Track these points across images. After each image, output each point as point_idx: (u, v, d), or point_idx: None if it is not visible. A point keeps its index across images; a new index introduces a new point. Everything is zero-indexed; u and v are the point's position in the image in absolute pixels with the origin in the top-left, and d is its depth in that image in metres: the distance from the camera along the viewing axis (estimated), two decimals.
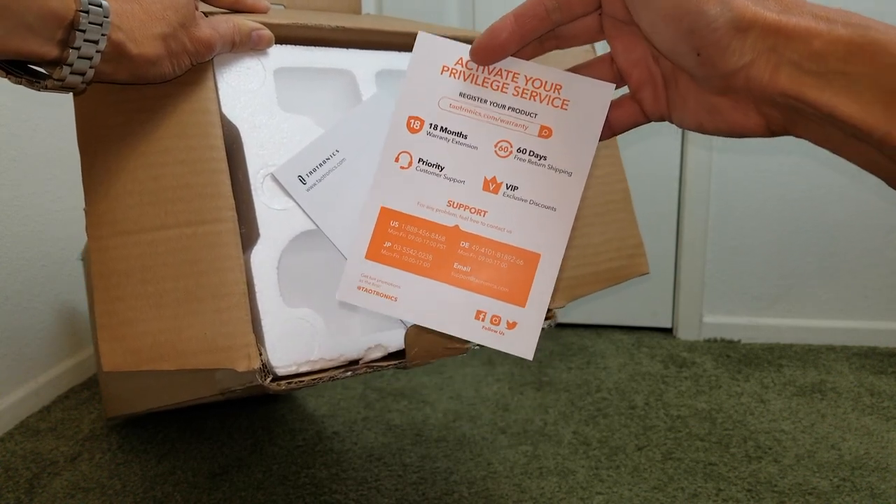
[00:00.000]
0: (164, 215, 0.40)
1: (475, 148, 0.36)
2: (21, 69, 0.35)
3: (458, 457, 0.77)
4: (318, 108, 0.49)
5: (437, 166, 0.36)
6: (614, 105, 0.35)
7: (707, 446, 0.79)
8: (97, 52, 0.35)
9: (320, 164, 0.46)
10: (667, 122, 0.35)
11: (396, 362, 0.46)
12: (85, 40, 0.34)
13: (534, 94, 0.35)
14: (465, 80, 0.36)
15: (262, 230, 0.43)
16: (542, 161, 0.35)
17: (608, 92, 0.35)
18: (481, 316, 0.36)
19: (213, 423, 0.85)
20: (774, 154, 1.10)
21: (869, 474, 0.72)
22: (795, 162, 1.10)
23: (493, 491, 0.70)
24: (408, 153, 0.37)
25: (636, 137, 1.12)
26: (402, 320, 0.46)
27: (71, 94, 0.38)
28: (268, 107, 0.45)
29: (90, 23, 0.34)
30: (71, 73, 0.35)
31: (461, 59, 0.36)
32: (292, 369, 0.42)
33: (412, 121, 0.36)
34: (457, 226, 0.36)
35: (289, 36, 0.47)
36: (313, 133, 0.46)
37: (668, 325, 1.20)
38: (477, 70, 0.35)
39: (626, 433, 0.82)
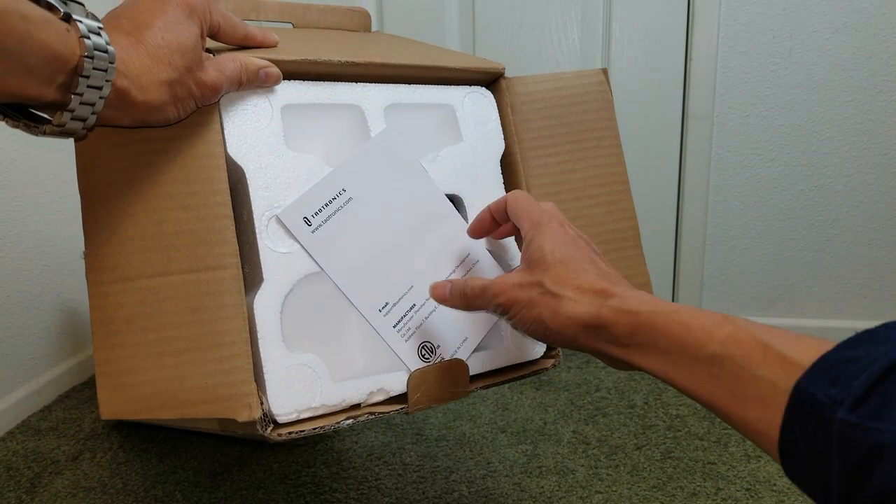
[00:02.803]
0: (167, 261, 0.40)
1: None
2: (19, 112, 0.34)
3: (458, 456, 0.77)
4: (327, 145, 0.48)
5: None
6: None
7: (706, 445, 0.79)
8: (100, 98, 0.33)
9: (326, 205, 0.45)
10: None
11: (399, 407, 0.45)
12: (88, 86, 0.33)
13: None
14: None
15: (265, 274, 0.42)
16: None
17: None
18: None
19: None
20: (774, 154, 1.10)
21: None
22: (794, 162, 1.10)
23: (493, 490, 0.70)
24: None
25: (636, 138, 1.12)
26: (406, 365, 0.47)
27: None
28: (274, 146, 0.44)
29: (95, 69, 0.32)
30: (72, 118, 0.33)
31: None
32: (293, 416, 0.42)
33: None
34: None
35: (297, 71, 0.46)
36: (320, 172, 0.45)
37: None
38: None
39: (625, 432, 0.82)
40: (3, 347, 0.88)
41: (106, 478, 0.74)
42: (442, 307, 0.47)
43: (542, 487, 0.70)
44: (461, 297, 0.43)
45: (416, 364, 0.46)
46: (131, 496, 0.70)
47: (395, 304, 0.47)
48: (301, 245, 0.44)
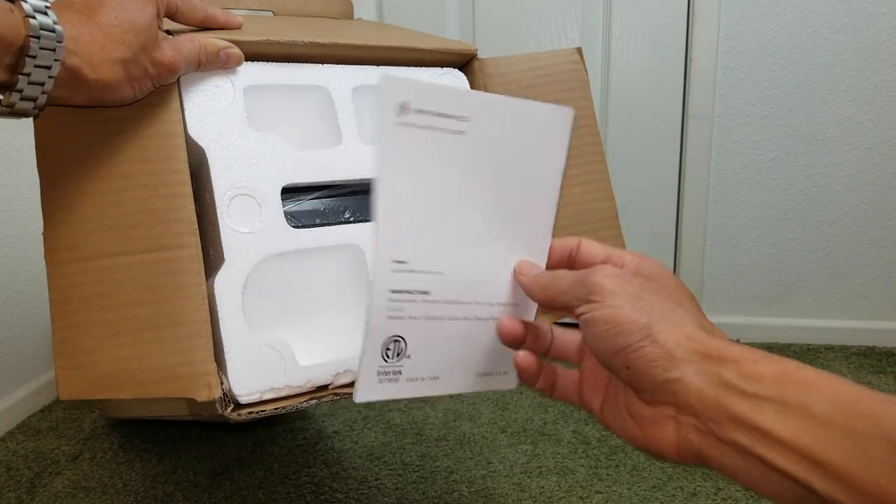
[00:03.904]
0: (125, 241, 0.39)
1: None
2: None
3: (458, 456, 0.77)
4: (292, 127, 0.47)
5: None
6: (566, 375, 0.39)
7: None
8: (49, 77, 0.33)
9: (436, 113, 0.33)
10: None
11: None
12: (36, 66, 0.33)
13: None
14: None
15: (227, 254, 0.42)
16: None
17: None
18: None
19: (214, 422, 0.85)
20: (774, 154, 1.10)
21: None
22: (794, 162, 1.10)
23: (493, 489, 0.70)
24: None
25: (636, 138, 1.12)
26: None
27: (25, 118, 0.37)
28: (236, 126, 0.43)
29: (42, 48, 0.32)
30: (21, 98, 0.33)
31: None
32: (255, 397, 0.41)
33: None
34: None
35: (260, 53, 0.45)
36: (285, 152, 0.44)
37: None
38: None
39: None
40: (3, 347, 0.88)
41: (106, 478, 0.74)
42: (456, 323, 0.38)
43: (542, 487, 0.70)
44: (536, 284, 0.36)
45: (373, 359, 0.36)
46: (131, 496, 0.70)
47: (411, 271, 0.35)
48: (374, 127, 0.36)
